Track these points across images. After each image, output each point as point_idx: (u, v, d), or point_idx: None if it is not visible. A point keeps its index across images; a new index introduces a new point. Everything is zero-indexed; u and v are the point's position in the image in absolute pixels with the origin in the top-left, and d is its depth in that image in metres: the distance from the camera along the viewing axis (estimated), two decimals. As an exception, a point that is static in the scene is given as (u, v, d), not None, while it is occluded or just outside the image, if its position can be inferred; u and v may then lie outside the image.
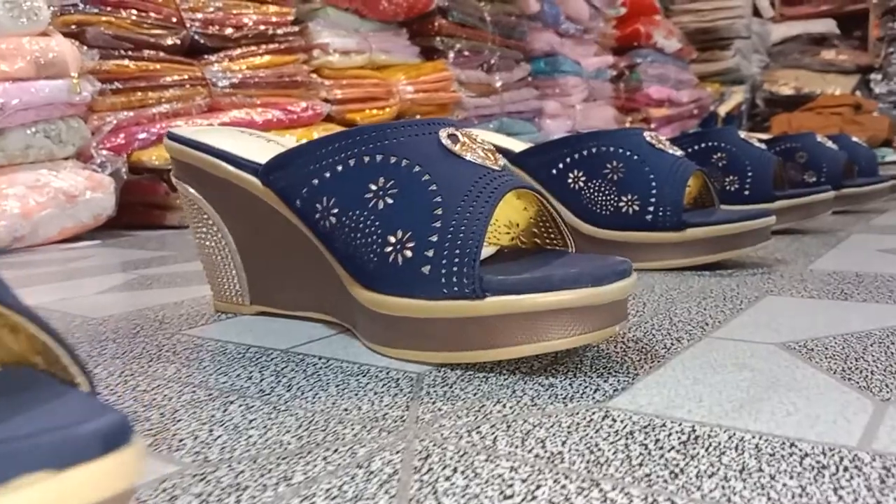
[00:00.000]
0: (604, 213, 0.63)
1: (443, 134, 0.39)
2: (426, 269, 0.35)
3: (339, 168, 0.39)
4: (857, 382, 0.32)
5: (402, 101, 1.80)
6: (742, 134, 0.87)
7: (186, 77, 1.35)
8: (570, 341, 0.33)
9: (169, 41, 1.33)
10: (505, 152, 0.69)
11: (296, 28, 1.56)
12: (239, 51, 1.45)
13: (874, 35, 3.62)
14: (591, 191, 0.64)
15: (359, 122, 1.66)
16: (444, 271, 0.35)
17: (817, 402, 0.30)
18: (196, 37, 1.39)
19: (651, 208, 0.61)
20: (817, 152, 1.05)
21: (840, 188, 1.03)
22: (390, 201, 0.37)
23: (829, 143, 1.08)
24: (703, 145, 0.84)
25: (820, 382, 0.32)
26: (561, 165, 0.65)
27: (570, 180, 0.65)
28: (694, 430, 0.27)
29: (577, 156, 0.65)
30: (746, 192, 0.82)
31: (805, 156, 1.06)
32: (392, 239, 0.36)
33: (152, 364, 0.39)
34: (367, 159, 0.39)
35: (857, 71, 3.52)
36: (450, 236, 0.35)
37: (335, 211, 0.39)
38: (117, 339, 0.46)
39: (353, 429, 0.29)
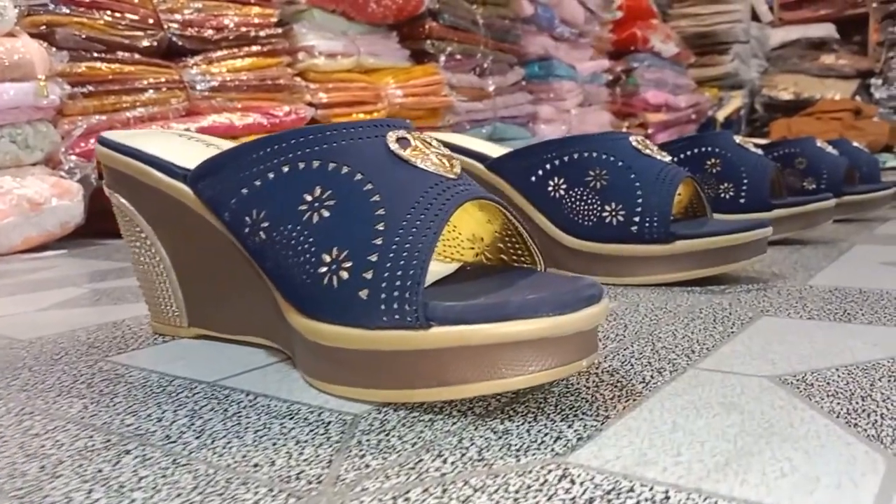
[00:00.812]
0: (586, 223, 0.58)
1: (391, 137, 0.34)
2: (364, 293, 0.30)
3: (271, 176, 0.34)
4: (865, 430, 0.27)
5: (390, 105, 1.76)
6: (738, 139, 0.82)
7: (163, 80, 1.30)
8: (529, 379, 0.28)
9: (145, 43, 1.29)
10: (481, 157, 0.65)
11: (279, 30, 1.51)
12: (219, 53, 1.41)
13: (874, 39, 3.59)
14: (573, 199, 0.59)
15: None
16: (383, 296, 0.30)
17: (818, 458, 0.25)
18: (174, 38, 1.34)
19: (636, 218, 0.56)
20: (817, 158, 1.00)
21: (841, 195, 0.98)
22: (326, 214, 0.32)
23: (830, 149, 1.03)
24: (695, 151, 0.79)
25: (821, 430, 0.27)
26: (540, 172, 0.60)
27: (550, 188, 0.60)
28: (668, 498, 0.22)
29: (557, 162, 0.60)
30: (742, 201, 0.77)
31: (804, 162, 1.01)
32: (327, 258, 0.32)
33: (59, 399, 0.35)
34: (302, 166, 0.34)
35: (857, 76, 3.48)
36: (392, 255, 0.30)
37: (265, 225, 0.34)
38: (34, 367, 0.41)
39: (256, 493, 0.24)
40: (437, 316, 0.29)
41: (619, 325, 0.44)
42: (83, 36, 1.20)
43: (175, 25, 1.34)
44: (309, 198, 0.33)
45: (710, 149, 0.79)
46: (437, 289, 0.34)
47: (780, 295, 0.52)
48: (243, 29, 1.44)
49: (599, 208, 0.57)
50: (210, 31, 1.39)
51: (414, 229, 0.31)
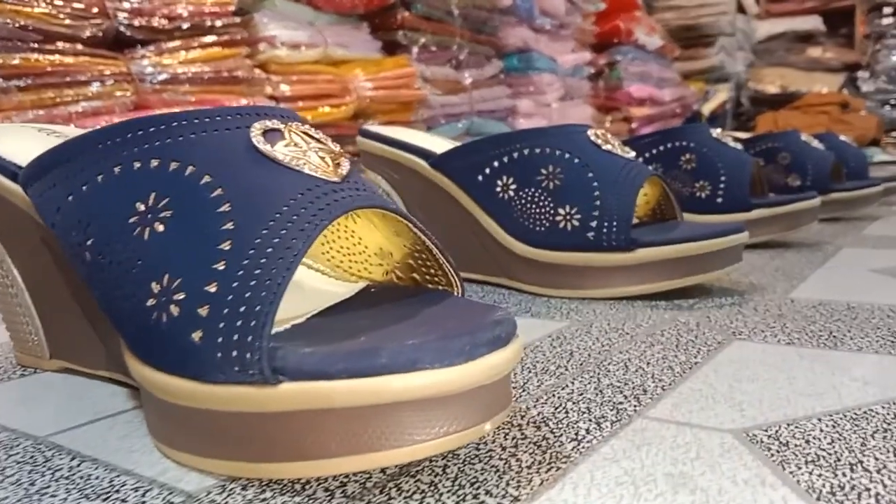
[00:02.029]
0: (538, 228, 0.51)
1: (257, 129, 0.27)
2: (197, 335, 0.23)
3: (100, 178, 0.27)
4: (856, 521, 0.20)
5: (360, 98, 1.68)
6: (715, 132, 0.75)
7: (108, 72, 1.22)
8: (410, 452, 0.21)
9: (88, 33, 1.20)
10: (424, 154, 0.57)
11: (237, 19, 1.43)
12: (172, 44, 1.33)
13: (861, 32, 3.54)
14: (523, 201, 0.52)
15: (310, 120, 1.53)
16: (220, 340, 0.22)
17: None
18: (121, 28, 1.26)
19: (594, 223, 0.49)
20: (802, 153, 0.94)
21: (828, 193, 0.91)
22: (160, 229, 0.25)
23: (815, 143, 0.97)
24: (668, 146, 0.72)
25: (796, 521, 0.20)
26: (488, 170, 0.53)
27: (498, 188, 0.53)
28: None
29: (506, 159, 0.53)
30: (719, 200, 0.70)
31: (788, 157, 0.94)
32: (155, 287, 0.24)
33: None
34: (137, 165, 0.26)
35: (844, 69, 3.43)
36: (235, 285, 0.23)
37: (90, 242, 0.27)
38: None
39: None
40: (289, 368, 0.22)
41: (563, 354, 0.37)
42: (18, 25, 1.11)
43: (122, 14, 1.26)
44: (141, 207, 0.26)
45: (684, 143, 0.72)
46: (311, 324, 0.26)
47: (756, 312, 0.45)
48: (198, 18, 1.36)
49: (552, 211, 0.50)
50: (162, 21, 1.31)
51: (269, 250, 0.23)
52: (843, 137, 1.11)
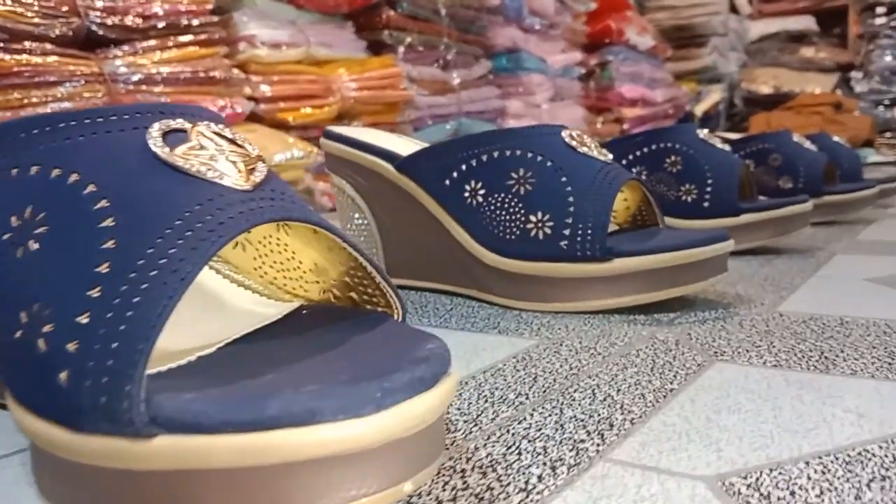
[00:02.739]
0: (508, 236, 0.47)
1: (154, 131, 0.23)
2: (63, 375, 0.19)
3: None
4: None
5: (343, 98, 1.64)
6: (702, 133, 0.72)
7: (79, 73, 1.18)
8: (310, 520, 0.18)
9: (57, 32, 1.16)
10: (390, 156, 0.54)
11: (215, 18, 1.39)
12: (147, 43, 1.29)
13: (854, 32, 3.51)
14: (493, 207, 0.48)
15: (291, 121, 1.50)
16: (88, 382, 0.19)
17: None
18: (94, 27, 1.22)
19: (567, 231, 0.45)
20: (793, 154, 0.91)
21: (820, 195, 0.88)
22: (35, 247, 0.21)
23: (808, 144, 0.93)
24: (652, 147, 0.69)
25: None
26: (455, 174, 0.50)
27: (466, 193, 0.49)
28: None
29: (474, 162, 0.49)
30: (706, 205, 0.67)
31: (779, 158, 0.91)
32: (24, 317, 0.20)
33: None
34: (14, 173, 0.23)
35: (838, 69, 3.41)
36: (109, 316, 0.19)
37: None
38: None
39: None
40: (164, 417, 0.18)
41: (526, 378, 0.34)
42: (-18, 23, 1.07)
43: (95, 13, 1.22)
44: (16, 223, 0.22)
45: (669, 145, 0.69)
46: (214, 358, 0.23)
47: (741, 328, 0.41)
48: (174, 17, 1.32)
49: (523, 219, 0.47)
50: (136, 20, 1.27)
51: (153, 273, 0.20)
52: (836, 138, 1.08)
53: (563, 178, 0.46)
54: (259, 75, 1.48)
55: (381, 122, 1.77)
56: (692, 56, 3.39)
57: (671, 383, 0.32)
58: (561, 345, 0.39)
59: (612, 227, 0.53)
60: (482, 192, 0.48)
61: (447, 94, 1.99)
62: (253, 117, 1.46)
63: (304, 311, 0.29)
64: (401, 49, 1.84)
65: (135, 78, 1.24)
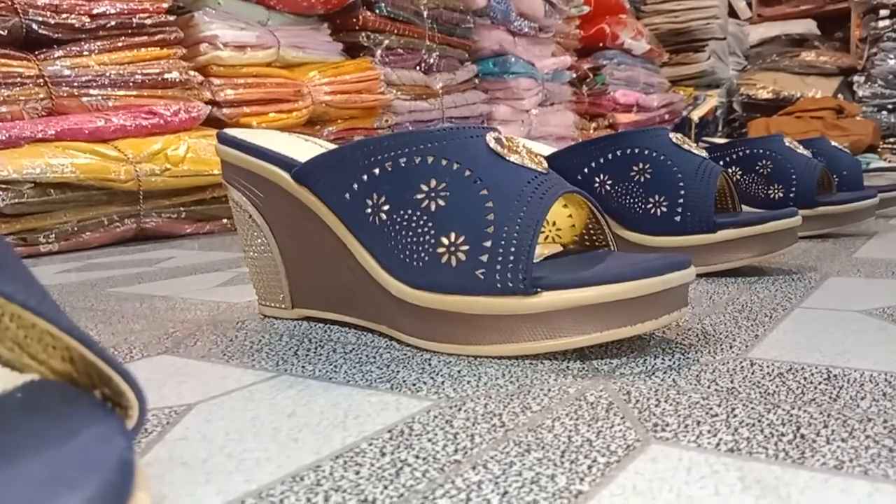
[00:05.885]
0: (416, 263, 0.38)
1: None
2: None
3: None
4: None
5: (315, 103, 1.56)
6: (675, 136, 0.63)
7: (16, 74, 1.09)
8: None
9: (-10, 30, 1.08)
10: (287, 164, 0.44)
11: (172, 18, 1.31)
12: (96, 44, 1.21)
13: (856, 36, 3.42)
14: (398, 227, 0.39)
15: (255, 126, 1.41)
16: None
17: None
18: (34, 26, 1.14)
19: (485, 257, 0.36)
20: (786, 160, 0.81)
21: (815, 206, 0.79)
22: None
23: (801, 150, 0.84)
24: (618, 153, 0.60)
25: None
26: (356, 186, 0.40)
27: (368, 209, 0.40)
28: None
29: (377, 170, 0.40)
30: (677, 219, 0.58)
31: (770, 165, 0.82)
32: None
33: None
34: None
35: (839, 73, 3.32)
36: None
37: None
38: None
39: None
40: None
41: (385, 472, 0.24)
42: None
43: (35, 11, 1.13)
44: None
45: (637, 150, 0.60)
46: None
47: (698, 384, 0.32)
48: (126, 16, 1.24)
49: (433, 241, 0.37)
50: (83, 18, 1.19)
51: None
52: (834, 143, 0.99)
53: (484, 192, 0.37)
54: (221, 78, 1.40)
55: (357, 127, 1.69)
56: (690, 61, 3.30)
57: (580, 482, 0.23)
58: (460, 409, 0.30)
59: (554, 249, 0.44)
60: (385, 207, 0.39)
61: (429, 99, 1.91)
62: (214, 122, 1.38)
63: (35, 383, 0.20)
64: (378, 51, 1.75)
65: (78, 80, 1.16)
